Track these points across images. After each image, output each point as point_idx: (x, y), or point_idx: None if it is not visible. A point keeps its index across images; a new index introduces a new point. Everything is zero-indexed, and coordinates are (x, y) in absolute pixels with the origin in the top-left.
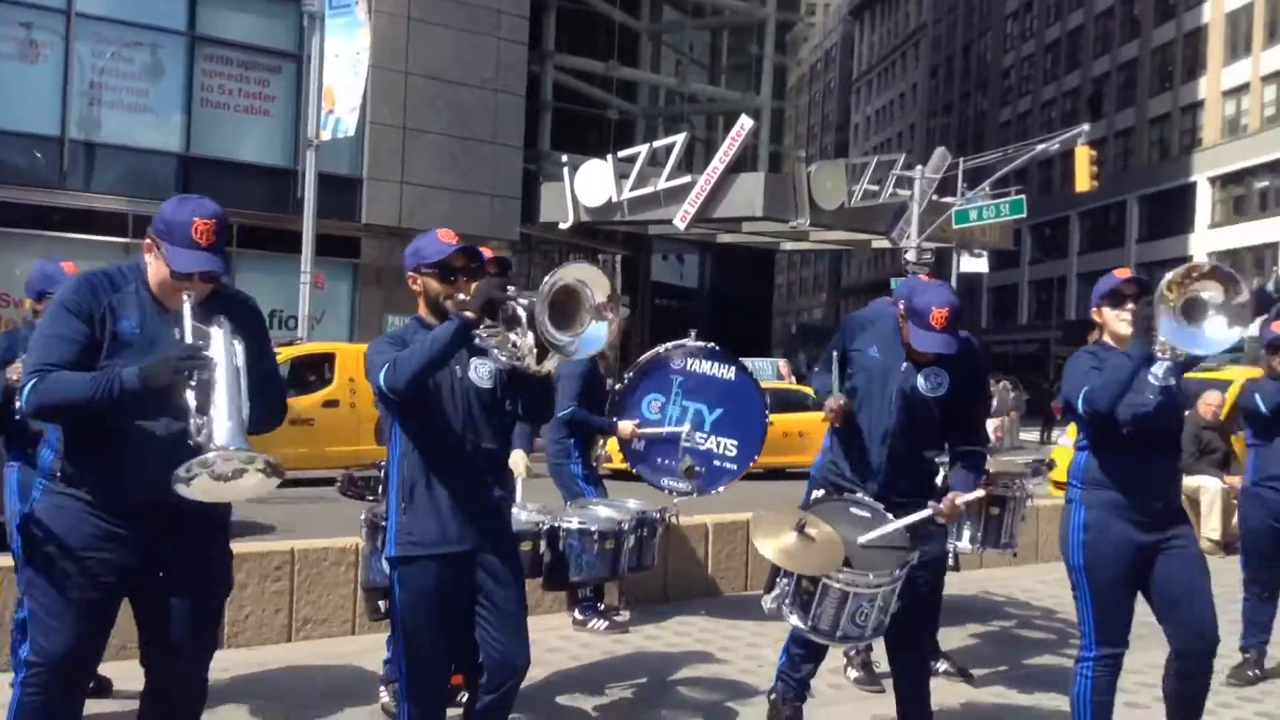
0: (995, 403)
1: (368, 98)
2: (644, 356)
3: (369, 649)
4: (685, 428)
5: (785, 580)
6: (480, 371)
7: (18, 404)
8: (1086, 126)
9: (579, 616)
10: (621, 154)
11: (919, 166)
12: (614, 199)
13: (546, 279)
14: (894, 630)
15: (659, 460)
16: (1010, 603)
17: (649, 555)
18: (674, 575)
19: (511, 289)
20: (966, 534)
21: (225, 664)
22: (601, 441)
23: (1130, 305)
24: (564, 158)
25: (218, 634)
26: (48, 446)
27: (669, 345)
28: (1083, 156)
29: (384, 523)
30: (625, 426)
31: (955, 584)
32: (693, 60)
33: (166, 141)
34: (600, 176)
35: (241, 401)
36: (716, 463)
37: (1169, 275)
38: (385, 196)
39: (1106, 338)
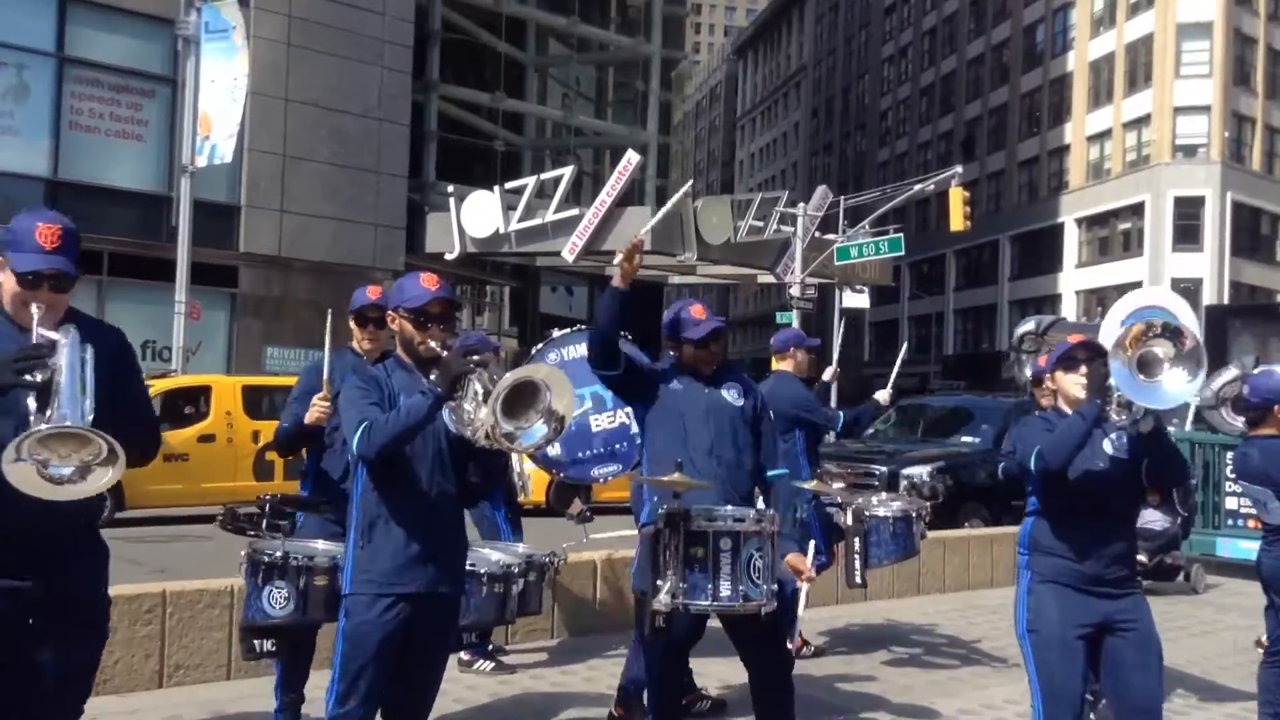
0: None
1: (246, 124)
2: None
3: (246, 694)
4: (587, 405)
5: (671, 572)
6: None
7: None
8: (960, 168)
9: (465, 657)
10: (508, 185)
11: (801, 204)
12: (501, 230)
13: (515, 371)
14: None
15: (578, 454)
16: (915, 630)
17: (536, 600)
18: (562, 613)
19: (475, 357)
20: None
21: (93, 712)
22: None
23: (1084, 369)
24: (450, 188)
25: (89, 690)
26: None
27: (537, 346)
28: (956, 197)
29: (265, 558)
30: None
31: (822, 620)
32: (579, 94)
33: (32, 165)
34: (487, 207)
35: (87, 402)
36: (635, 432)
37: (1123, 335)
38: (265, 225)
39: (1061, 403)
